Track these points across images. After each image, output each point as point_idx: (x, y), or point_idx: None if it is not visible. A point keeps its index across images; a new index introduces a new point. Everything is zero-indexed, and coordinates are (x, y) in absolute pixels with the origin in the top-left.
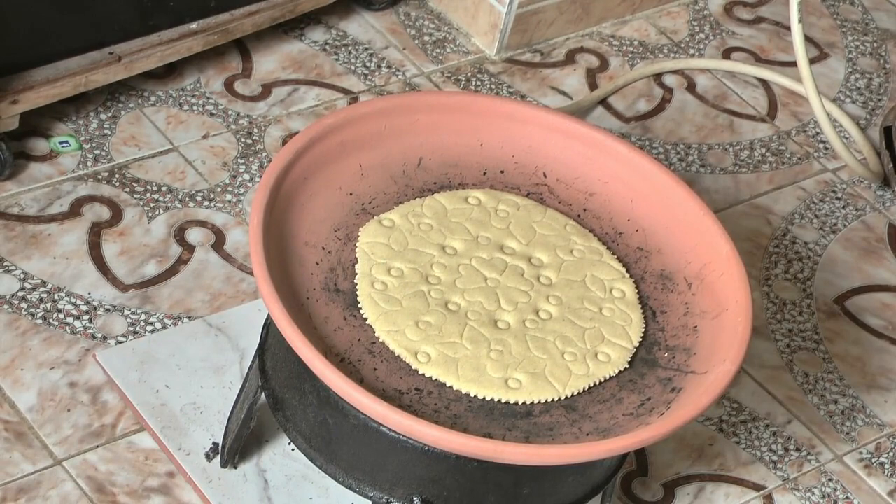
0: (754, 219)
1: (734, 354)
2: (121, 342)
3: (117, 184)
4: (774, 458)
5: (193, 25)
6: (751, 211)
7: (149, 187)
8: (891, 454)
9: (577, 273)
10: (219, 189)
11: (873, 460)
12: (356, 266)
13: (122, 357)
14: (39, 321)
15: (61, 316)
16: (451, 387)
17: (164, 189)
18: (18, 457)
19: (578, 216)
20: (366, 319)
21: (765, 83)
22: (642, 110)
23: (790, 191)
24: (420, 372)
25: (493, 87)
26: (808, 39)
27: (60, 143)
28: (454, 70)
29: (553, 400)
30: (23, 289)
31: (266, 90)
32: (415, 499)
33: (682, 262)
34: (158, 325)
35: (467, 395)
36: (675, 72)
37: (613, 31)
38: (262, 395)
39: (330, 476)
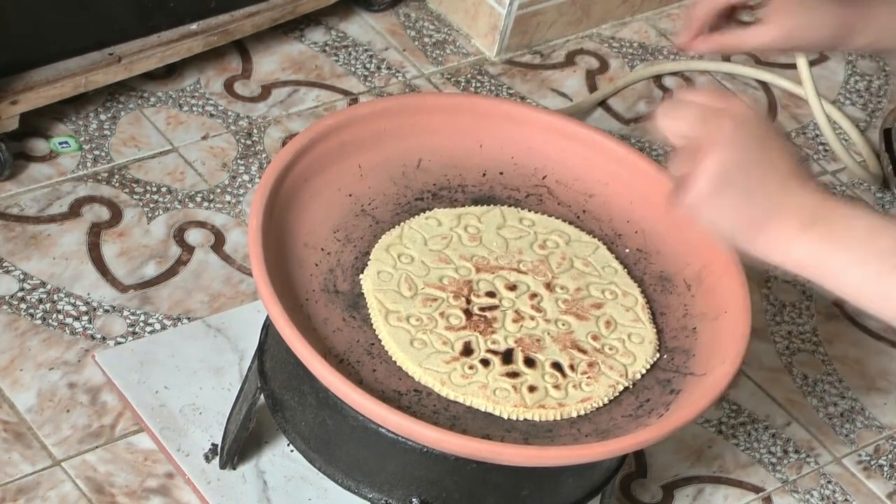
0: None
1: (733, 356)
2: (120, 343)
3: (117, 184)
4: (773, 460)
5: (193, 26)
6: None
7: (148, 188)
8: (890, 457)
9: (597, 310)
10: (218, 190)
11: (872, 463)
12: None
13: (121, 358)
14: (39, 322)
15: (61, 316)
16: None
17: (163, 190)
18: (17, 457)
19: (578, 217)
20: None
21: (765, 85)
22: (642, 112)
23: None
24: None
25: (492, 88)
26: None
27: (60, 143)
28: (454, 71)
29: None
30: (22, 289)
31: (266, 91)
32: (414, 500)
33: (681, 263)
34: (158, 326)
35: None
36: (674, 73)
37: (613, 32)
38: (262, 397)
39: (329, 477)
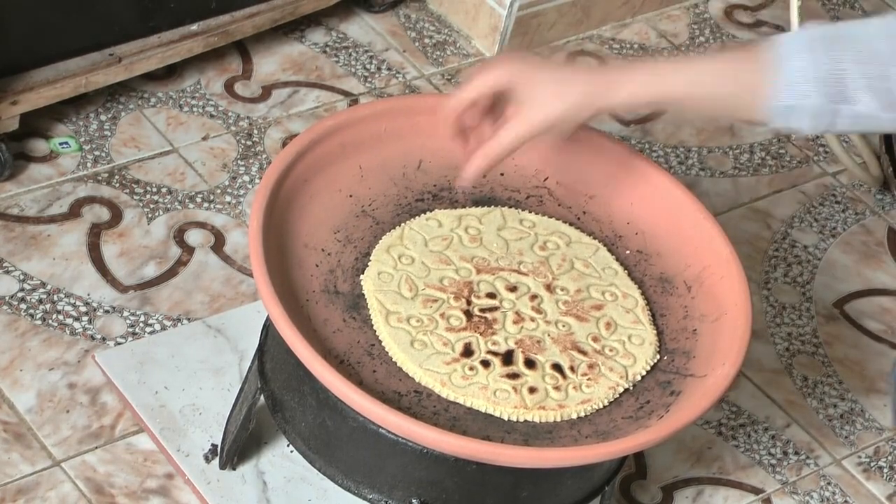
0: (754, 222)
1: (733, 358)
2: (120, 343)
3: (117, 185)
4: (773, 461)
5: (194, 27)
6: (750, 214)
7: (148, 189)
8: (889, 458)
9: (598, 311)
10: (218, 191)
11: (872, 464)
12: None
13: (121, 358)
14: (39, 322)
15: (60, 317)
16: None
17: (163, 190)
18: (17, 458)
19: (578, 218)
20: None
21: None
22: (642, 113)
23: (790, 194)
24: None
25: None
26: None
27: (60, 144)
28: (454, 72)
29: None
30: (22, 290)
31: (266, 92)
32: (413, 501)
33: (681, 265)
34: (158, 327)
35: None
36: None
37: (614, 33)
38: (261, 397)
39: (329, 478)
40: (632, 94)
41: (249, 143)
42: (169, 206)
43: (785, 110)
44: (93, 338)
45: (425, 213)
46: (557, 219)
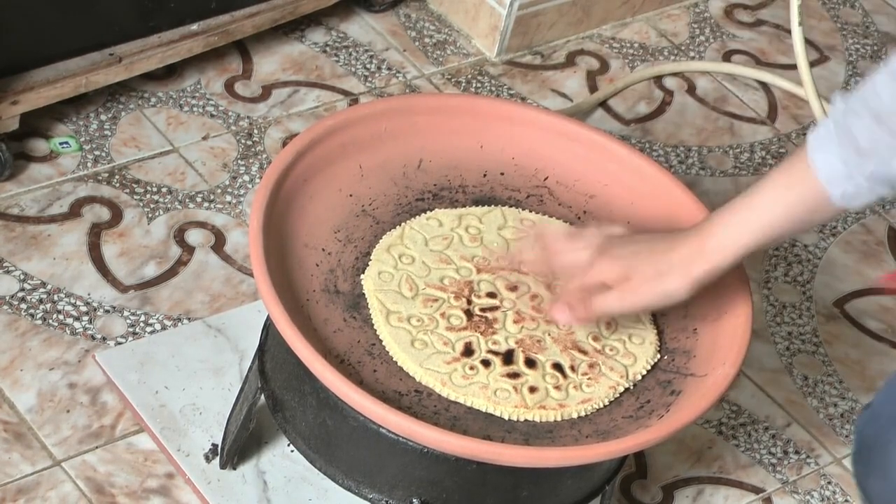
0: None
1: (734, 357)
2: (120, 343)
3: (117, 185)
4: (774, 460)
5: (194, 27)
6: None
7: (149, 188)
8: None
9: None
10: (219, 190)
11: None
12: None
13: (121, 358)
14: (39, 322)
15: (61, 317)
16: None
17: (164, 190)
18: (17, 457)
19: (578, 218)
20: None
21: (765, 86)
22: (642, 113)
23: None
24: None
25: (493, 89)
26: (809, 42)
27: (60, 143)
28: (454, 72)
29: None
30: (22, 289)
31: (266, 91)
32: (414, 500)
33: None
34: (158, 327)
35: None
36: (675, 74)
37: (614, 33)
38: (262, 397)
39: (329, 478)
40: (717, 263)
41: (249, 142)
42: (169, 205)
43: (852, 197)
44: (93, 338)
45: (426, 213)
46: (558, 218)
